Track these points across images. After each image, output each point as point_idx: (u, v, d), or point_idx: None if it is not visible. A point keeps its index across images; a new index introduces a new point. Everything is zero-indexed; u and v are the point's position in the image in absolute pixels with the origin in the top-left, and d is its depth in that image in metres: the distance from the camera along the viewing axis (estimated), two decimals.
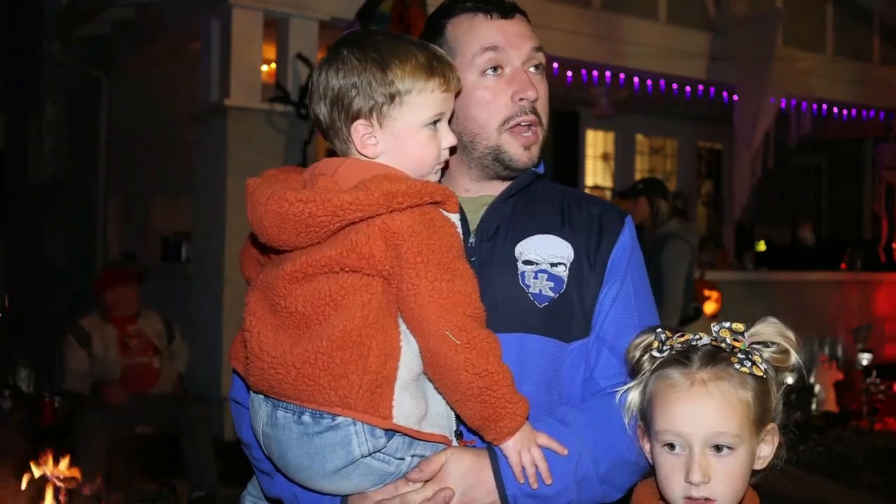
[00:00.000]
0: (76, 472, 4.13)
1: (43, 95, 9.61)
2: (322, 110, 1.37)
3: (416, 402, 1.30)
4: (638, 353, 1.36)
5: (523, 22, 1.54)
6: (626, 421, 1.41)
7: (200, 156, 6.45)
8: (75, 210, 8.89)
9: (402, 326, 1.31)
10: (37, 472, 3.97)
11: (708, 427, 1.29)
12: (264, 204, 1.30)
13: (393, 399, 1.27)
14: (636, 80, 8.24)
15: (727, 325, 1.34)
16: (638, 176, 11.26)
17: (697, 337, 1.34)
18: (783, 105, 8.76)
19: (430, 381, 1.33)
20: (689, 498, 1.28)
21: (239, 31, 5.96)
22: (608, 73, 8.02)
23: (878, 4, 9.54)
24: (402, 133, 1.35)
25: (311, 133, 6.02)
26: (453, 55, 1.49)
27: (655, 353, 1.34)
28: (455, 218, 1.34)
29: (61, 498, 3.81)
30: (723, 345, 1.32)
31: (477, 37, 1.49)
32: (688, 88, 8.58)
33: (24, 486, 3.88)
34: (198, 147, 6.50)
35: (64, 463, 4.00)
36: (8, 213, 11.08)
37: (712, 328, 1.34)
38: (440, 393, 1.33)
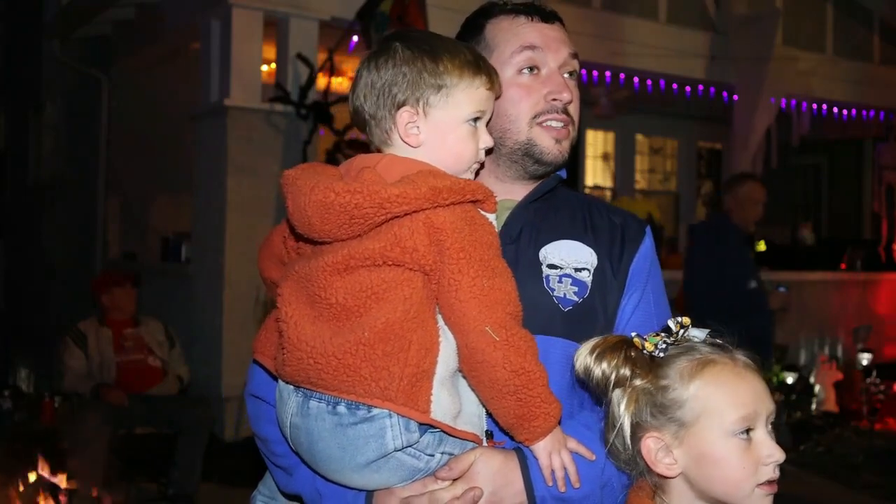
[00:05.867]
0: (76, 473, 4.14)
1: (43, 95, 9.60)
2: (367, 99, 1.39)
3: (452, 399, 1.31)
4: (606, 369, 1.31)
5: (562, 29, 1.58)
6: (608, 447, 1.36)
7: (200, 156, 6.45)
8: (75, 210, 8.89)
9: (440, 322, 1.32)
10: (36, 473, 3.97)
11: (770, 403, 1.29)
12: (308, 193, 1.30)
13: (431, 394, 1.28)
14: (636, 80, 8.24)
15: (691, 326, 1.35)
16: (638, 176, 11.26)
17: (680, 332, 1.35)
18: (783, 105, 8.76)
19: (465, 378, 1.34)
20: (769, 482, 1.26)
21: (239, 31, 5.96)
22: (608, 73, 8.02)
23: (878, 4, 9.53)
24: (445, 126, 1.38)
25: (311, 133, 6.02)
26: (490, 52, 1.53)
27: (659, 353, 1.32)
28: (492, 217, 1.36)
29: (61, 498, 3.81)
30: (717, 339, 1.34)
31: (516, 36, 1.53)
32: (688, 88, 8.58)
33: (24, 486, 3.88)
34: (198, 147, 6.50)
35: (63, 463, 4.00)
36: (8, 213, 11.08)
37: (693, 332, 1.34)
38: (474, 391, 1.34)
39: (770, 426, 1.28)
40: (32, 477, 3.93)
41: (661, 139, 11.41)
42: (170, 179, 7.76)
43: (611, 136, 10.89)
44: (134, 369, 4.94)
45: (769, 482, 1.26)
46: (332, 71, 6.11)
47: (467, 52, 1.40)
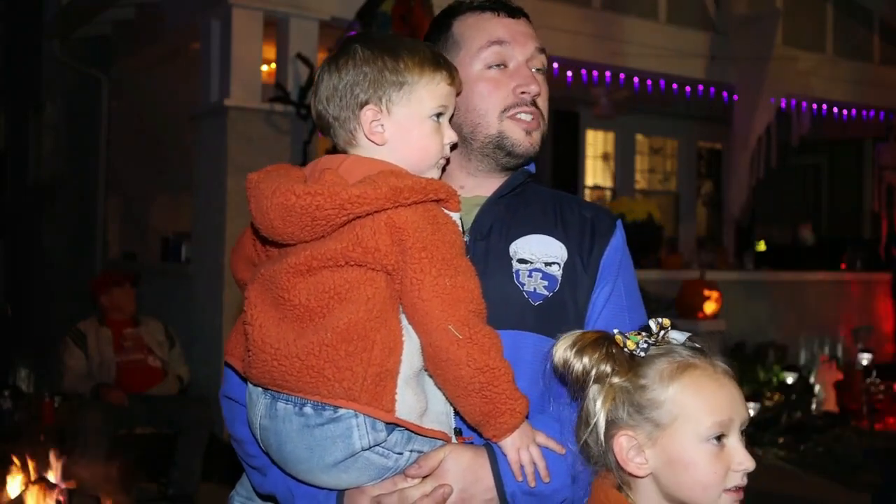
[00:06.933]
0: (76, 473, 4.14)
1: (43, 95, 9.60)
2: (330, 102, 1.40)
3: (417, 398, 1.32)
4: (587, 364, 1.31)
5: (528, 24, 1.59)
6: (580, 442, 1.36)
7: (200, 156, 6.45)
8: (75, 210, 8.89)
9: (404, 321, 1.32)
10: (36, 473, 3.97)
11: (745, 411, 1.30)
12: (270, 197, 1.31)
13: (396, 393, 1.29)
14: (636, 80, 8.24)
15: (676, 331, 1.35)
16: (638, 176, 11.26)
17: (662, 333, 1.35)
18: (783, 105, 8.76)
19: (431, 376, 1.34)
20: (736, 488, 1.28)
21: (239, 31, 5.96)
22: (608, 73, 8.02)
23: (878, 4, 9.53)
24: (409, 122, 1.39)
25: (311, 133, 6.02)
26: (458, 49, 1.54)
27: (640, 352, 1.32)
28: (456, 216, 1.36)
29: (61, 498, 3.81)
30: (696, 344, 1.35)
31: (483, 31, 1.54)
32: (688, 88, 8.57)
33: (24, 486, 3.88)
34: (198, 147, 6.49)
35: (64, 463, 4.00)
36: (8, 213, 11.08)
37: (674, 334, 1.34)
38: (440, 389, 1.34)
39: (741, 434, 1.30)
40: (32, 477, 3.93)
41: (661, 139, 11.41)
42: (170, 179, 7.76)
43: (611, 136, 10.89)
44: (134, 369, 4.94)
45: (737, 488, 1.27)
46: None
47: (426, 49, 1.42)
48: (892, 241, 10.78)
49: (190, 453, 4.76)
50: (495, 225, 1.53)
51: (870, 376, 7.25)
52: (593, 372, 1.30)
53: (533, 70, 1.55)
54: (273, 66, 6.50)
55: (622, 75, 8.10)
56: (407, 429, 1.31)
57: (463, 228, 1.48)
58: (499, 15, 1.55)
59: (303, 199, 1.27)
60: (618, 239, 1.58)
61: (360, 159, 1.38)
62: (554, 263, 1.51)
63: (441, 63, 1.41)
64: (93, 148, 8.60)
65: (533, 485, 1.34)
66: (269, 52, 6.42)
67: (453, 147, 1.47)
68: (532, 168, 1.61)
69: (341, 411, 1.28)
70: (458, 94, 1.46)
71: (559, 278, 1.50)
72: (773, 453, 5.86)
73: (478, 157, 1.55)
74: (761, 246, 10.72)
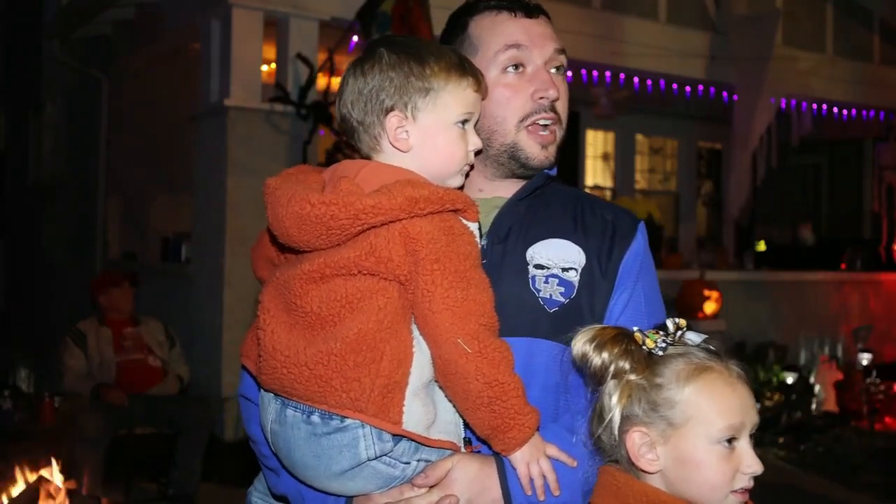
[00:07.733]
0: (76, 473, 4.14)
1: (43, 95, 9.61)
2: (354, 107, 1.38)
3: (425, 409, 1.31)
4: (606, 360, 1.32)
5: (547, 23, 1.55)
6: (594, 436, 1.36)
7: (200, 156, 6.45)
8: (75, 210, 8.89)
9: (415, 332, 1.31)
10: (37, 473, 3.97)
11: (755, 415, 1.33)
12: (286, 205, 1.30)
13: (403, 404, 1.28)
14: (636, 80, 8.24)
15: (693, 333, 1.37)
16: (638, 176, 11.25)
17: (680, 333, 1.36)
18: (783, 105, 8.76)
19: (441, 388, 1.33)
20: (743, 490, 1.30)
21: (239, 31, 5.97)
22: (608, 73, 8.02)
23: (878, 4, 9.53)
24: (434, 129, 1.37)
25: (311, 133, 6.02)
26: (475, 51, 1.50)
27: (658, 351, 1.32)
28: (474, 227, 1.34)
29: (61, 498, 3.81)
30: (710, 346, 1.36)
31: (500, 34, 1.50)
32: (688, 88, 8.58)
33: (23, 486, 3.88)
34: (198, 147, 6.50)
35: (64, 463, 4.00)
36: (8, 213, 11.08)
37: (690, 335, 1.36)
38: (450, 401, 1.33)
39: (750, 437, 1.32)
40: (33, 477, 3.93)
41: (661, 139, 11.41)
42: (170, 179, 7.76)
43: (611, 136, 10.89)
44: (134, 369, 4.94)
45: (743, 490, 1.30)
46: (332, 71, 6.11)
47: (452, 54, 1.39)
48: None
49: (190, 453, 4.76)
50: (514, 228, 1.50)
51: (870, 376, 7.25)
52: (612, 367, 1.31)
53: (552, 71, 1.51)
54: (273, 66, 6.50)
55: (622, 75, 8.11)
56: (414, 440, 1.30)
57: (481, 232, 1.45)
58: (515, 15, 1.51)
59: (317, 209, 1.26)
60: (639, 243, 1.54)
61: (380, 167, 1.36)
62: (571, 269, 1.48)
63: (467, 69, 1.38)
64: (93, 148, 8.60)
65: (542, 498, 1.32)
66: (269, 52, 6.42)
67: (478, 153, 1.45)
68: (553, 170, 1.58)
69: (348, 421, 1.27)
70: (483, 100, 1.44)
71: (576, 284, 1.47)
72: (773, 453, 5.86)
73: (493, 164, 1.52)
74: (761, 246, 10.72)
